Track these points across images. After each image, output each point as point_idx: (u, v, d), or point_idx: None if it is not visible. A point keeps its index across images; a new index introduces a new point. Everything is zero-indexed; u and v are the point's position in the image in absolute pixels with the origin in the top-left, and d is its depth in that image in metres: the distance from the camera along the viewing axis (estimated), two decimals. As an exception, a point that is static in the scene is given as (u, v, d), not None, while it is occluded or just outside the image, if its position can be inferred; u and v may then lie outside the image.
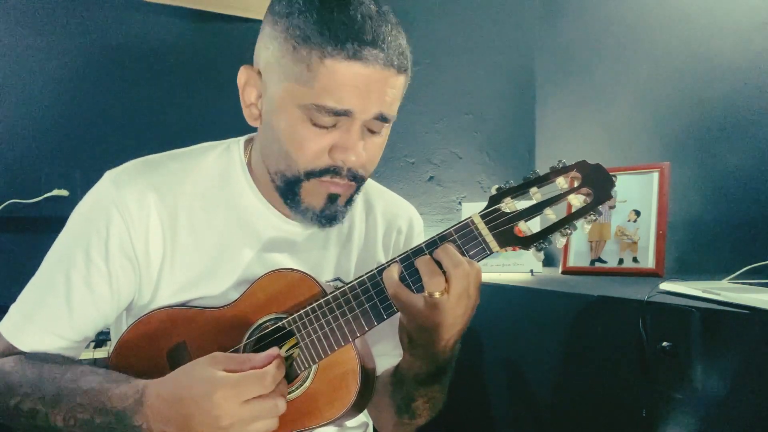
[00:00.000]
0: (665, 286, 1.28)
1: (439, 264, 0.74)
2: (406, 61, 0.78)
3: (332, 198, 0.83)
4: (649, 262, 1.69)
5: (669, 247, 1.71)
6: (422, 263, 0.74)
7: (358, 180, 0.83)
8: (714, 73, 1.73)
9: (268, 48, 0.78)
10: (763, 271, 1.34)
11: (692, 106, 1.79)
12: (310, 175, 0.80)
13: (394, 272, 0.76)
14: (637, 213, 1.75)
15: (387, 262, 0.78)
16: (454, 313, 0.74)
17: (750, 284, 1.26)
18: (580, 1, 2.28)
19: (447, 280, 0.72)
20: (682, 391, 1.09)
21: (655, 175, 1.73)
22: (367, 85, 0.75)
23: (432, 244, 0.76)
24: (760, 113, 1.60)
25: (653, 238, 1.69)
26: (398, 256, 0.77)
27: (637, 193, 1.75)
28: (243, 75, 0.83)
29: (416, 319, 0.75)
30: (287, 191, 0.83)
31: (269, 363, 0.71)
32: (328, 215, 0.84)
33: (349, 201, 0.86)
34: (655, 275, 1.64)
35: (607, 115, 2.12)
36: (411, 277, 0.76)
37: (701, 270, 1.70)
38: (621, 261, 1.76)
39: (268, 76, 0.80)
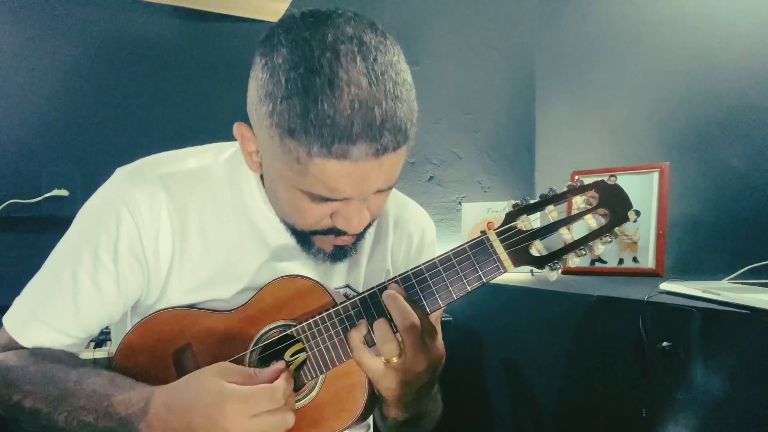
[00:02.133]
0: (665, 286, 1.28)
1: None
2: (404, 136, 0.69)
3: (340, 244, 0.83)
4: (649, 262, 1.69)
5: (669, 247, 1.71)
6: (377, 327, 0.73)
7: (364, 231, 0.82)
8: (714, 73, 1.73)
9: (257, 122, 0.73)
10: (763, 271, 1.35)
11: (692, 106, 1.79)
12: (315, 233, 0.80)
13: (356, 334, 0.75)
14: (637, 213, 1.74)
15: (398, 275, 0.76)
16: (415, 371, 0.73)
17: (750, 284, 1.26)
18: (580, 1, 2.27)
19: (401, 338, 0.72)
20: (682, 391, 1.09)
21: (655, 175, 1.73)
22: (361, 175, 0.69)
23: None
24: (760, 113, 1.60)
25: (653, 238, 1.69)
26: (410, 270, 0.76)
27: (637, 193, 1.75)
28: (237, 131, 0.79)
29: (380, 382, 0.75)
30: (296, 236, 0.84)
31: (277, 377, 0.71)
32: (339, 254, 0.85)
33: (359, 238, 0.86)
34: (655, 275, 1.64)
35: (607, 115, 2.12)
36: (423, 291, 0.75)
37: (701, 270, 1.70)
38: (621, 261, 1.76)
39: (262, 146, 0.76)
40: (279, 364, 0.73)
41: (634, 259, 1.73)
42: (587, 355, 1.34)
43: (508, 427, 1.61)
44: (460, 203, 2.37)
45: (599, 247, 0.75)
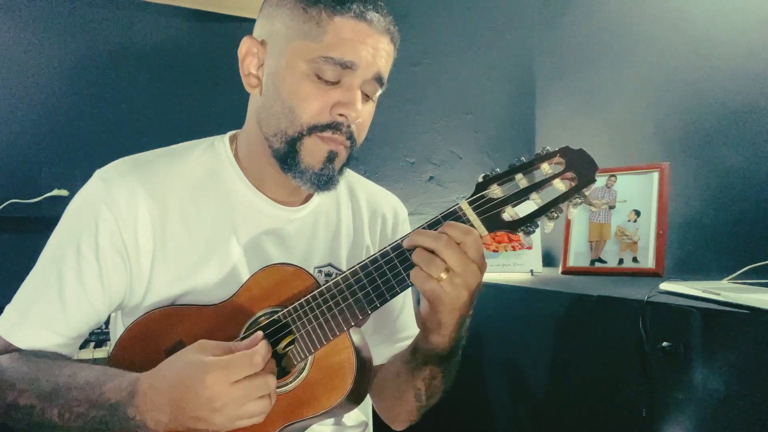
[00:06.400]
0: (665, 286, 1.28)
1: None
2: (397, 35, 0.88)
3: (330, 158, 0.86)
4: (649, 262, 1.69)
5: (669, 247, 1.70)
6: (416, 257, 0.75)
7: (353, 142, 0.88)
8: (714, 73, 1.73)
9: (274, 17, 0.86)
10: (763, 271, 1.34)
11: (692, 106, 1.79)
12: (313, 129, 0.84)
13: (416, 271, 0.76)
14: (637, 213, 1.75)
15: (376, 252, 0.80)
16: (470, 284, 0.75)
17: (750, 284, 1.26)
18: (580, 1, 2.27)
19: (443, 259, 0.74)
20: (682, 391, 1.09)
21: (655, 175, 1.73)
22: (370, 43, 0.83)
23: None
24: (760, 113, 1.60)
25: (653, 238, 1.69)
26: (389, 246, 0.79)
27: (637, 193, 1.75)
28: (244, 45, 0.89)
29: (443, 308, 0.76)
30: (287, 151, 0.86)
31: (255, 345, 0.73)
32: (326, 175, 0.87)
33: (342, 168, 0.90)
34: (655, 275, 1.64)
35: (607, 115, 2.12)
36: (402, 264, 0.78)
37: (701, 270, 1.70)
38: (621, 261, 1.76)
39: (274, 43, 0.86)
40: (257, 333, 0.75)
41: (634, 259, 1.73)
42: (587, 355, 1.34)
43: (508, 426, 1.61)
44: (460, 203, 2.37)
45: (571, 210, 0.78)
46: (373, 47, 0.83)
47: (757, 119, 1.61)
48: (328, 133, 0.85)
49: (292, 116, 0.84)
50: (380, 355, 1.02)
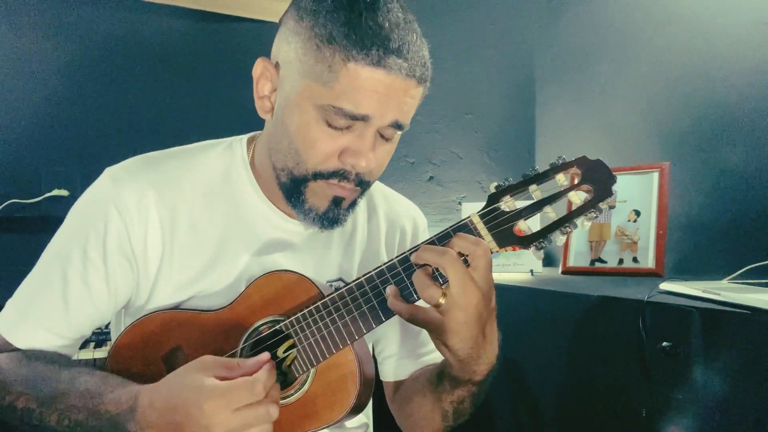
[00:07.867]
0: (665, 286, 1.28)
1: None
2: (427, 72, 0.78)
3: (336, 201, 0.82)
4: (649, 262, 1.69)
5: (669, 247, 1.71)
6: (415, 278, 0.72)
7: (364, 185, 0.82)
8: (714, 73, 1.73)
9: (290, 43, 0.77)
10: (763, 271, 1.34)
11: (692, 106, 1.79)
12: (318, 176, 0.79)
13: (395, 298, 0.73)
14: (637, 213, 1.75)
15: (383, 264, 0.76)
16: (471, 303, 0.69)
17: (750, 284, 1.27)
18: (580, 1, 2.27)
19: (446, 277, 0.70)
20: (682, 391, 1.09)
21: (655, 175, 1.73)
22: (387, 92, 0.74)
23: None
24: (760, 113, 1.60)
25: (653, 238, 1.69)
26: (396, 258, 0.76)
27: (637, 193, 1.75)
28: (259, 67, 0.82)
29: (442, 332, 0.72)
30: (292, 189, 0.82)
31: (259, 369, 0.69)
32: (331, 217, 0.83)
33: (353, 205, 0.85)
34: (655, 275, 1.64)
35: (607, 115, 2.12)
36: (410, 278, 0.74)
37: (701, 270, 1.70)
38: (621, 261, 1.76)
39: (287, 72, 0.79)
40: (263, 355, 0.71)
41: (634, 259, 1.73)
42: (587, 355, 1.34)
43: (508, 426, 1.61)
44: (460, 203, 2.37)
45: (585, 224, 0.74)
46: (391, 97, 0.74)
47: (758, 119, 1.61)
48: (334, 181, 0.79)
49: (297, 158, 0.79)
50: (403, 370, 1.00)
